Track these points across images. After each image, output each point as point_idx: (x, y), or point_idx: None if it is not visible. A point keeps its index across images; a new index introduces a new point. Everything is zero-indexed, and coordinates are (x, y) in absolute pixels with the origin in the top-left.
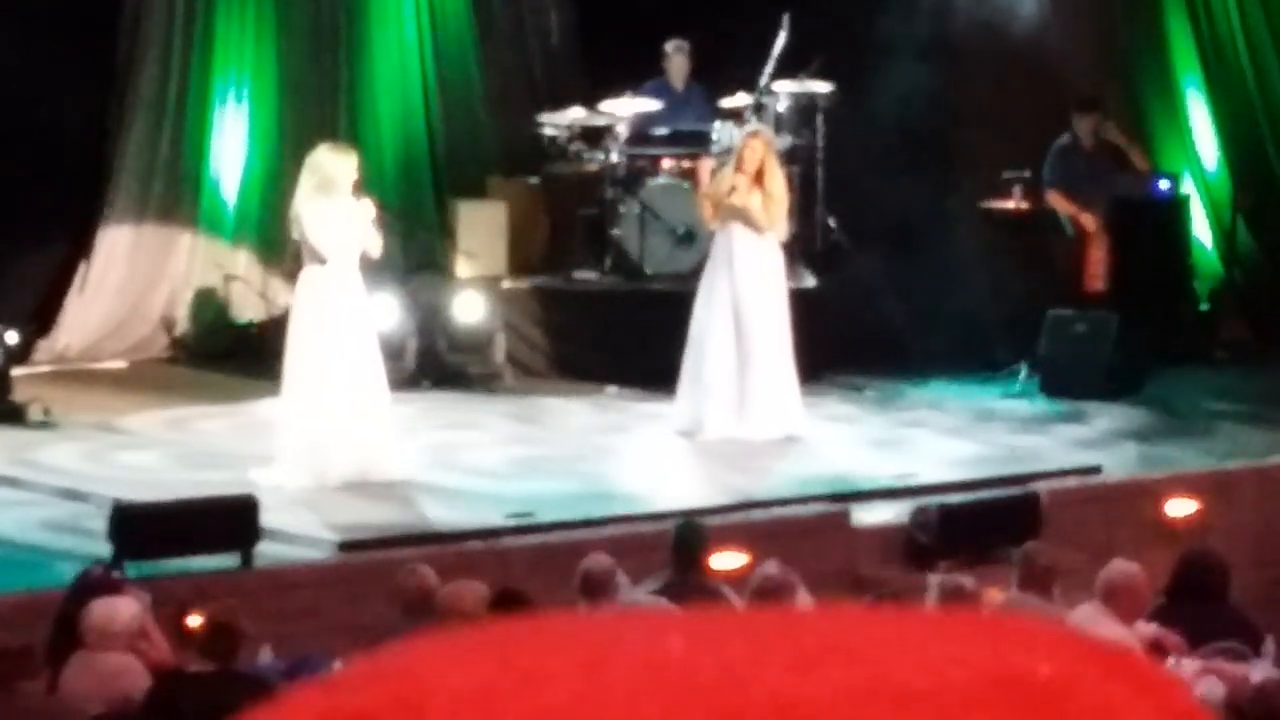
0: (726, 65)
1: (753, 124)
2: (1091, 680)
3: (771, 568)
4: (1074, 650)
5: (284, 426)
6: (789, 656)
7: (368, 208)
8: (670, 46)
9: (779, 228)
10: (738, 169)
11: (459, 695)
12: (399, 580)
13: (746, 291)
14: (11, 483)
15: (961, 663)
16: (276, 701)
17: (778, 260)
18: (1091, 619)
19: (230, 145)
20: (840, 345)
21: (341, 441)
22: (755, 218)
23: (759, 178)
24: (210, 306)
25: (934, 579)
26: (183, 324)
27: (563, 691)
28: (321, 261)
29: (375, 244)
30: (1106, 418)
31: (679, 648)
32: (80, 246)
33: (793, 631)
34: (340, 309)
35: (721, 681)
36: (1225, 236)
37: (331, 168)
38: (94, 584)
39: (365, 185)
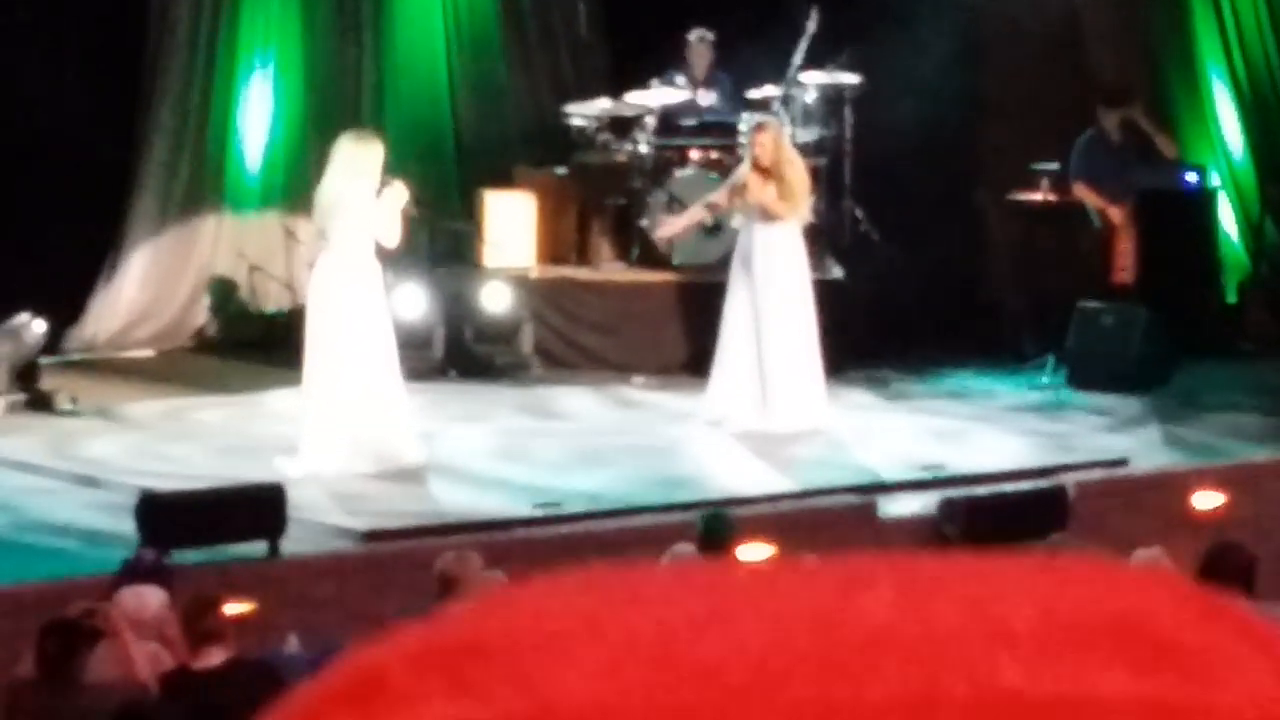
0: (755, 56)
1: (758, 117)
2: (1203, 631)
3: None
4: (1186, 599)
5: (305, 416)
6: (891, 594)
7: (400, 192)
8: (693, 36)
9: (800, 214)
10: (752, 165)
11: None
12: (441, 563)
13: (767, 284)
14: (37, 470)
15: (1068, 604)
16: (379, 639)
17: (799, 250)
18: None
19: (255, 131)
20: (867, 336)
21: (359, 430)
22: (771, 208)
23: (770, 170)
24: (235, 296)
25: None
26: (208, 313)
27: (658, 624)
28: (369, 243)
29: (395, 232)
30: (1133, 410)
31: (775, 586)
32: (108, 235)
33: (893, 571)
34: (355, 297)
35: (823, 612)
36: (1252, 229)
37: (357, 155)
38: (146, 568)
39: (389, 173)
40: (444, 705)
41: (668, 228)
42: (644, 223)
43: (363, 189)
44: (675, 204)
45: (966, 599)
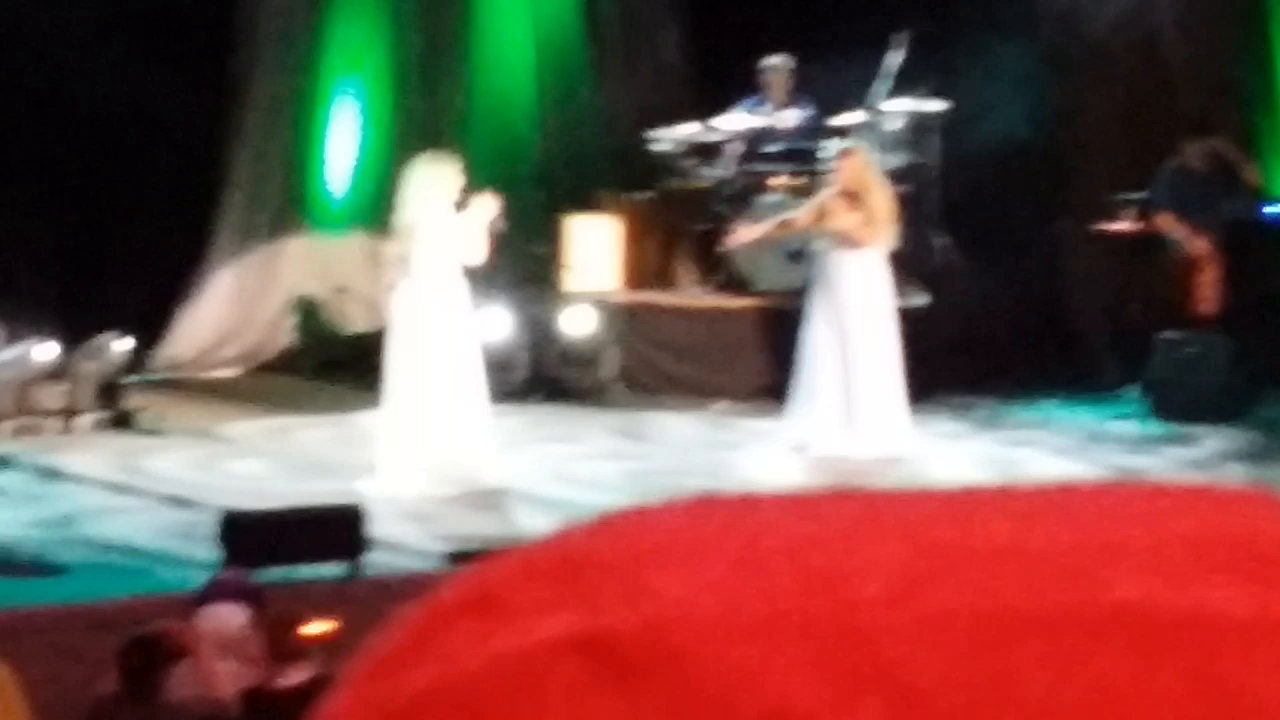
0: (840, 82)
1: (845, 143)
2: None
3: None
4: None
5: (387, 437)
6: (1007, 516)
7: (489, 205)
8: (769, 63)
9: (884, 240)
10: (837, 191)
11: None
12: None
13: (850, 309)
14: (122, 489)
15: (1179, 524)
16: (487, 558)
17: (883, 276)
18: None
19: (342, 152)
20: (950, 364)
21: (440, 451)
22: (854, 235)
23: (856, 196)
24: (320, 316)
25: None
26: (293, 334)
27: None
28: (452, 262)
29: (481, 248)
30: (1216, 440)
31: (893, 510)
32: (195, 255)
33: (1003, 498)
34: (441, 319)
35: (944, 532)
36: None
37: (432, 176)
38: (231, 587)
39: (471, 194)
40: (556, 617)
41: (739, 236)
42: (727, 248)
43: (441, 209)
44: None
45: (1080, 521)
